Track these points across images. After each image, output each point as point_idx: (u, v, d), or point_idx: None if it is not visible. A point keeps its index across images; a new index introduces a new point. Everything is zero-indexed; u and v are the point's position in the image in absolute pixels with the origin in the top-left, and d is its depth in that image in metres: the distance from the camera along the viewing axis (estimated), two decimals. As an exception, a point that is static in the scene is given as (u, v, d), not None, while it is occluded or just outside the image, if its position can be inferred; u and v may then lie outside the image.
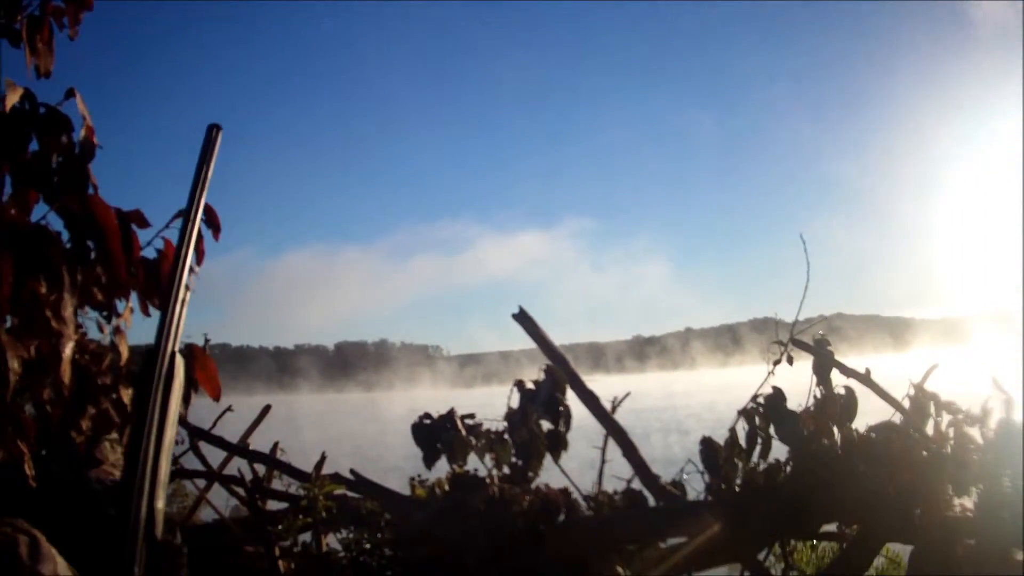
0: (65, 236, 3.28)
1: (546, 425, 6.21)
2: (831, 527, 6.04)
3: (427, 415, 6.27)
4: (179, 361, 2.54)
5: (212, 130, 2.96)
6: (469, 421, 6.25)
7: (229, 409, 6.41)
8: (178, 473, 6.49)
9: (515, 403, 6.27)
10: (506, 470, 6.13)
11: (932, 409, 5.94)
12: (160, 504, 2.37)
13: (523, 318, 6.66)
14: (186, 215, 2.81)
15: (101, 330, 3.63)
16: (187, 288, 2.68)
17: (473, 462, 6.16)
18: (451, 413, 6.24)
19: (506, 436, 6.18)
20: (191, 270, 3.53)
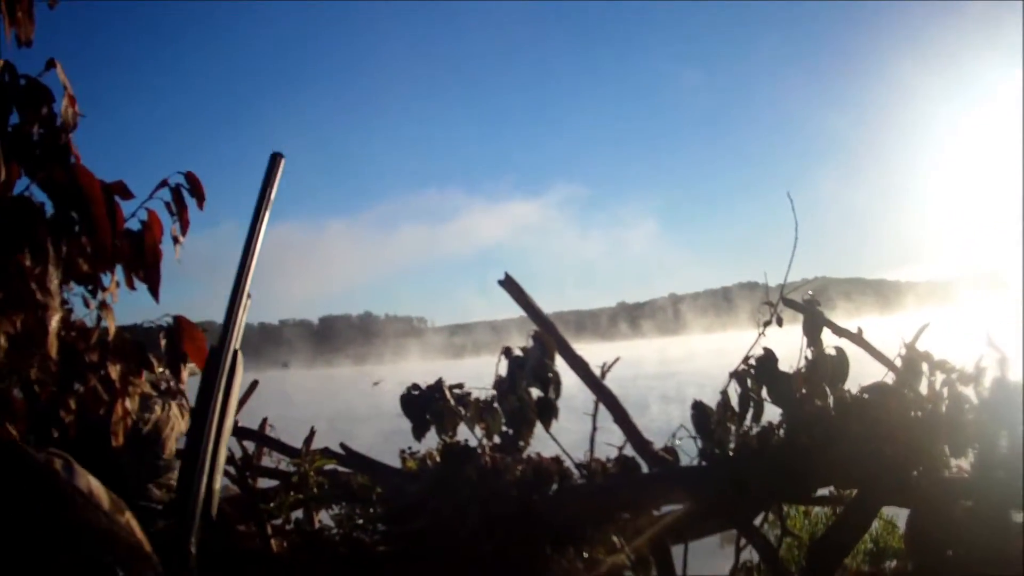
0: (49, 208, 3.26)
1: (536, 393, 6.17)
2: (826, 491, 6.08)
3: (415, 386, 6.25)
4: (240, 358, 3.00)
5: (275, 158, 3.32)
6: (458, 391, 6.22)
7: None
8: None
9: (504, 371, 6.24)
10: (497, 440, 6.10)
11: (925, 368, 5.92)
12: (217, 486, 2.78)
13: (509, 284, 6.65)
14: (248, 236, 3.15)
15: (87, 305, 3.61)
16: (248, 296, 3.11)
17: (463, 433, 6.15)
18: (439, 383, 6.22)
19: (495, 405, 6.14)
20: (175, 240, 3.55)
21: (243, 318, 3.09)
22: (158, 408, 4.89)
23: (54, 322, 3.13)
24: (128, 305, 3.71)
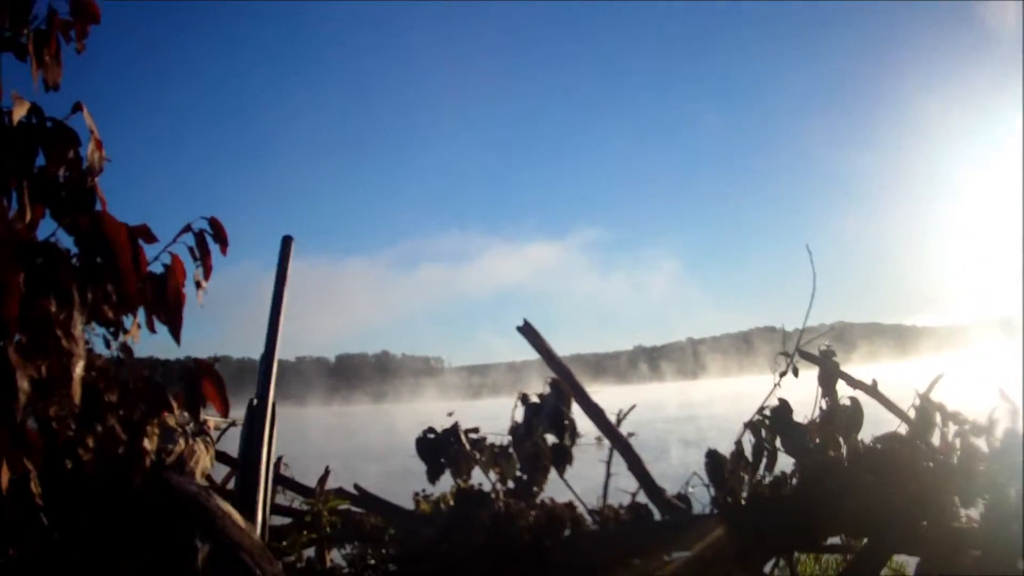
0: (73, 251, 3.28)
1: (551, 439, 6.19)
2: (836, 539, 6.01)
3: (431, 429, 6.25)
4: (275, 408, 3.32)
5: (287, 241, 3.44)
6: (473, 435, 6.23)
7: (233, 424, 6.32)
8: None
9: (520, 417, 6.25)
10: (511, 484, 6.10)
11: (938, 419, 5.94)
12: (269, 514, 3.21)
13: (527, 330, 6.63)
14: (271, 318, 3.54)
15: (108, 346, 3.63)
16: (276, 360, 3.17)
17: (478, 476, 6.13)
18: (455, 427, 6.21)
19: (511, 450, 6.16)
20: (197, 285, 3.60)
21: (274, 372, 3.43)
22: (182, 442, 4.92)
23: (78, 369, 3.14)
24: (148, 341, 3.74)
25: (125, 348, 3.63)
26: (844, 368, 6.20)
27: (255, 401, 3.16)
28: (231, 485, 6.52)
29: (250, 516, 2.88)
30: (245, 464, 3.04)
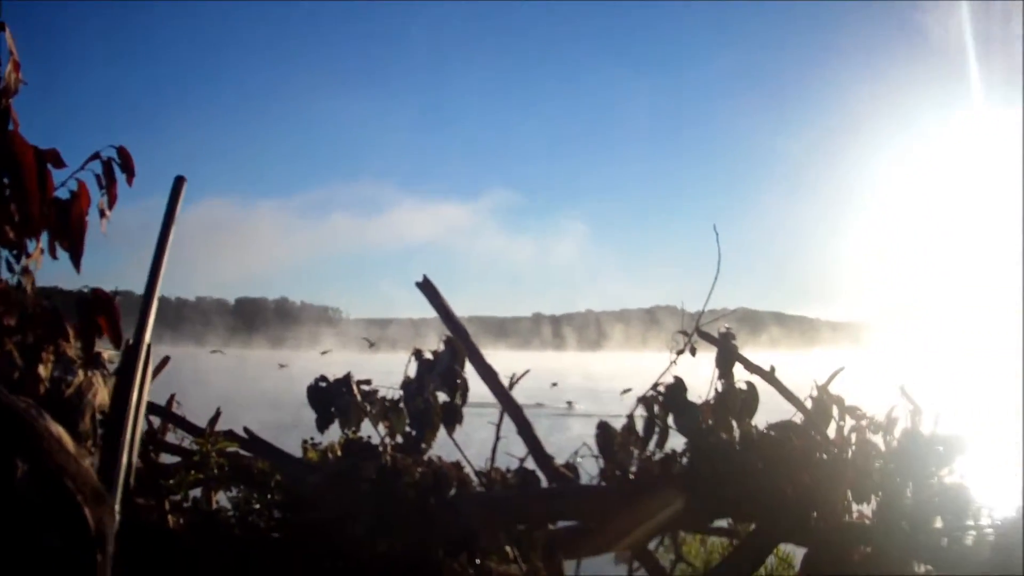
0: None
1: (443, 397, 6.20)
2: (724, 523, 6.13)
3: (323, 378, 6.28)
4: (151, 350, 3.14)
5: (179, 181, 3.41)
6: (365, 387, 6.27)
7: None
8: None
9: (413, 372, 6.28)
10: (400, 439, 6.15)
11: (835, 412, 6.00)
12: (135, 458, 2.98)
13: (426, 287, 6.65)
14: (154, 260, 3.23)
15: (11, 270, 3.59)
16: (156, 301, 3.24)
17: (367, 429, 6.19)
18: (347, 377, 6.26)
19: (401, 405, 6.18)
20: (102, 213, 3.56)
21: (153, 315, 3.21)
22: (81, 373, 4.86)
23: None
24: (50, 272, 3.70)
25: (27, 272, 3.60)
26: (745, 352, 6.24)
27: (130, 341, 3.11)
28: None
29: (112, 454, 2.82)
30: (114, 402, 2.97)
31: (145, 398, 3.05)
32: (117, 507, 2.86)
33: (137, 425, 2.94)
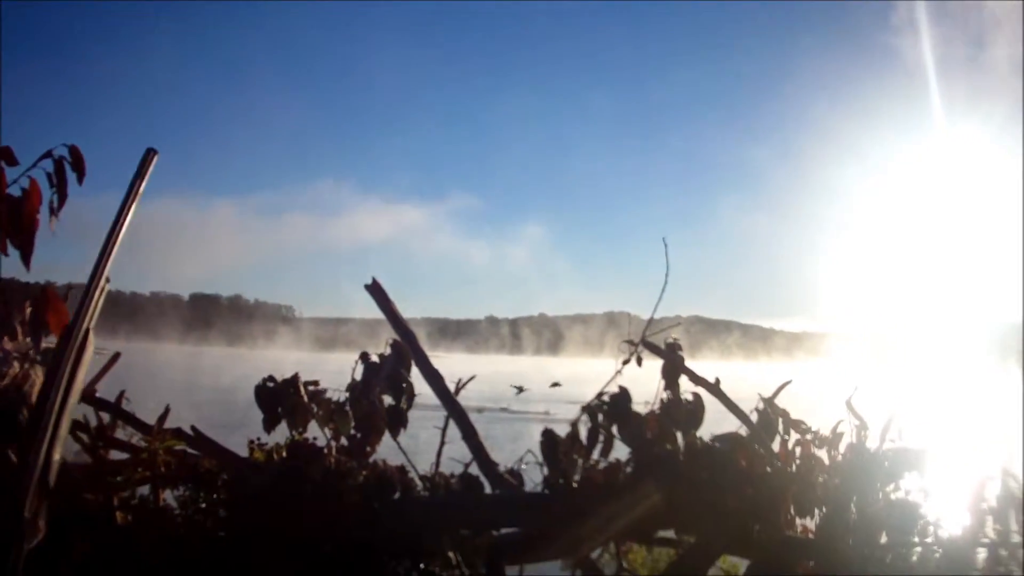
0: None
1: (388, 400, 6.24)
2: (668, 533, 6.10)
3: (271, 378, 6.28)
4: (91, 337, 3.08)
5: (149, 153, 3.41)
6: (312, 388, 6.26)
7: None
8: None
9: (360, 375, 6.30)
10: (345, 442, 6.14)
11: (780, 426, 6.08)
12: (56, 456, 2.90)
13: (375, 290, 6.71)
14: (113, 224, 3.20)
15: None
16: (107, 280, 3.19)
17: (314, 431, 6.18)
18: (295, 378, 6.26)
19: (347, 408, 6.19)
20: (51, 211, 3.58)
21: (100, 300, 3.17)
22: (16, 365, 4.86)
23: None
24: (7, 265, 3.71)
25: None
26: (693, 362, 6.27)
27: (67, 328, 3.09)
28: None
29: (34, 444, 2.78)
30: (40, 393, 2.94)
31: (77, 388, 3.01)
32: (27, 507, 2.78)
33: (63, 417, 2.91)
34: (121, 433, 6.27)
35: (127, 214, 3.20)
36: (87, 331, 3.05)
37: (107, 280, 3.18)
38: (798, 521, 5.81)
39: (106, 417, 6.22)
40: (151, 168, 3.31)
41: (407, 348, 6.41)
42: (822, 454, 5.92)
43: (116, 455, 6.17)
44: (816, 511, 5.77)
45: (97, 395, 6.22)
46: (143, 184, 3.26)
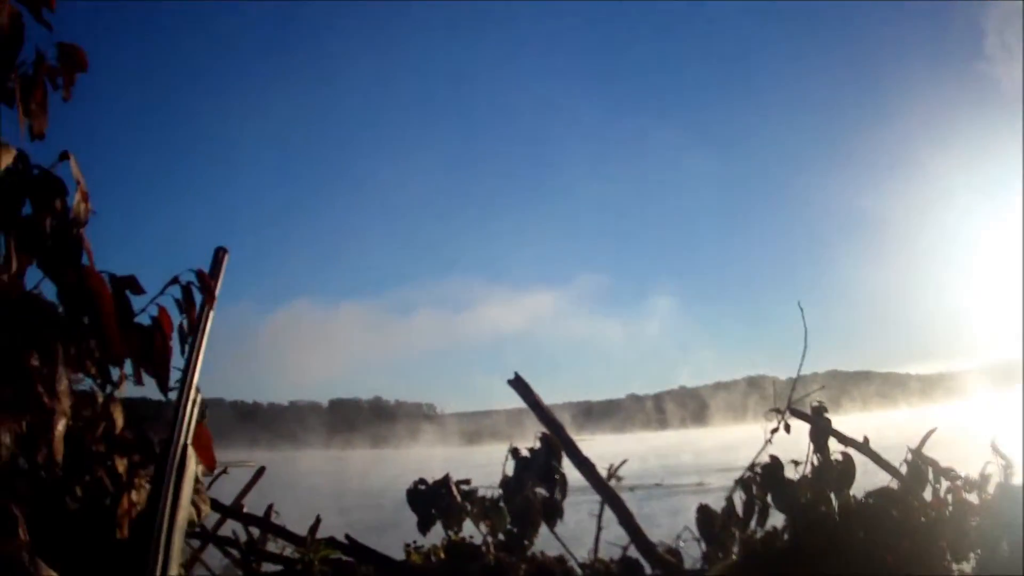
0: (53, 298, 3.27)
1: (541, 492, 6.19)
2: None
3: (422, 480, 6.26)
4: (191, 452, 3.10)
5: (219, 252, 3.48)
6: (464, 487, 6.24)
7: (224, 471, 6.24)
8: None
9: (511, 470, 6.26)
10: (501, 537, 6.10)
11: (930, 475, 5.97)
12: (173, 572, 2.85)
13: (518, 384, 6.70)
14: (193, 329, 3.33)
15: (96, 396, 3.62)
16: (197, 390, 3.26)
17: (469, 529, 6.15)
18: (446, 479, 6.23)
19: (501, 504, 6.15)
20: (182, 337, 3.62)
21: (194, 413, 3.21)
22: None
23: (60, 426, 3.12)
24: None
25: (112, 399, 3.63)
26: (836, 417, 6.19)
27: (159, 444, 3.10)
28: (222, 531, 6.53)
29: (144, 565, 2.77)
30: (147, 512, 2.93)
31: (184, 505, 3.01)
32: None
33: (174, 535, 2.91)
34: (272, 546, 6.32)
35: (207, 320, 3.27)
36: (185, 447, 3.10)
37: (197, 391, 3.23)
38: (955, 567, 5.70)
39: (255, 532, 6.26)
40: (223, 268, 3.35)
41: (556, 440, 6.36)
42: (972, 497, 5.82)
43: (269, 567, 6.25)
44: (972, 555, 5.68)
45: (245, 510, 6.28)
46: (218, 285, 3.30)
